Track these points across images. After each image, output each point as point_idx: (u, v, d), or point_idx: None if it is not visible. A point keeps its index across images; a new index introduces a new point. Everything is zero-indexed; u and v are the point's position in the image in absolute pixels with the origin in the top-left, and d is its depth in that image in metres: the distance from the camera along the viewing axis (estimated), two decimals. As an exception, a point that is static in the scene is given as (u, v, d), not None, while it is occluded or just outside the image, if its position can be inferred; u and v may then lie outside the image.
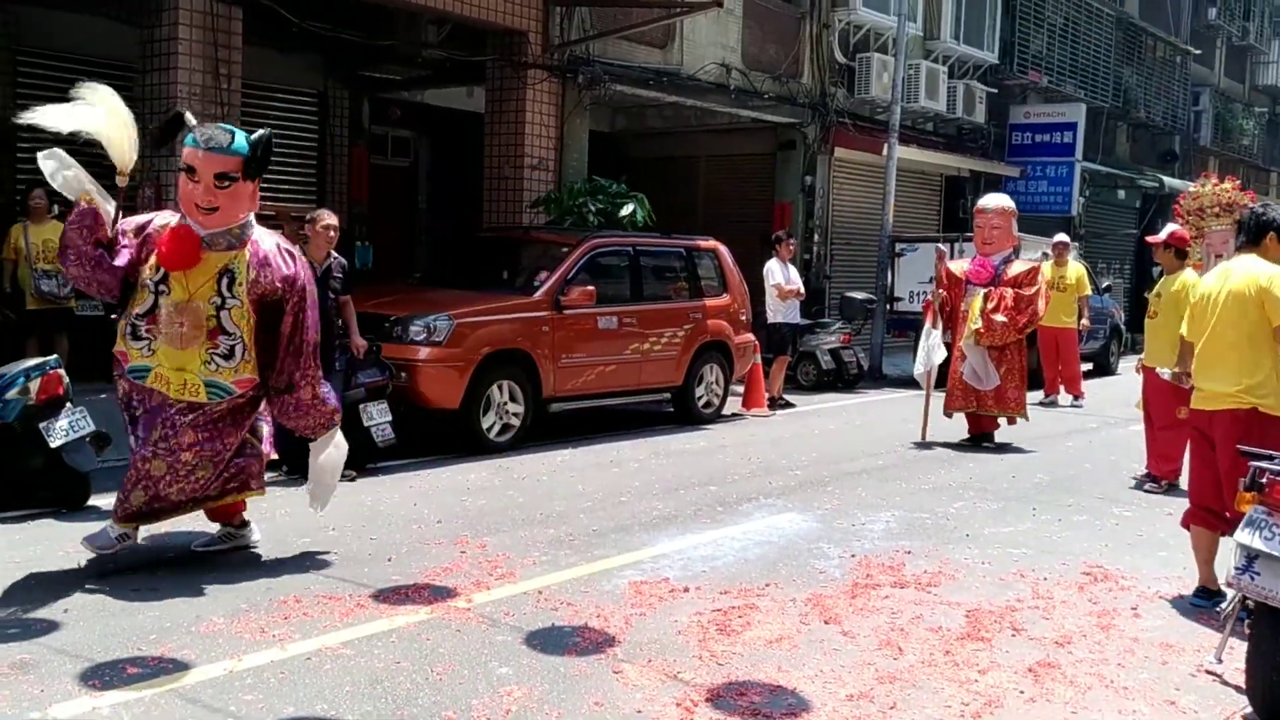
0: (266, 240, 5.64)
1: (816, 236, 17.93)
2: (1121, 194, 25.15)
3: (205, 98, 9.99)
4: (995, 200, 10.45)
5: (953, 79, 19.61)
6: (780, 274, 12.65)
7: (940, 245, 11.09)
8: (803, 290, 13.17)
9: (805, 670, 4.50)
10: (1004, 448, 10.19)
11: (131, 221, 5.60)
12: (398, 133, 15.86)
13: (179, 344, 5.38)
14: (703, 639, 4.81)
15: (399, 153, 16.04)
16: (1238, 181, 7.66)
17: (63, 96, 11.89)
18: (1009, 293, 9.78)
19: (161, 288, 5.41)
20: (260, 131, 5.46)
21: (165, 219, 5.57)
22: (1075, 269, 13.96)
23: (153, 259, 5.43)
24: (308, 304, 5.68)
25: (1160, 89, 26.80)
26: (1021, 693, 4.37)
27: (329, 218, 8.03)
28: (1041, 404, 13.49)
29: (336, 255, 8.15)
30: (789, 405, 12.89)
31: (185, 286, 5.40)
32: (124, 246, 5.49)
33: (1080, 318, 13.88)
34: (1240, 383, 5.11)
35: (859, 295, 15.75)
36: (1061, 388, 13.84)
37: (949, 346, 10.18)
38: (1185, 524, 5.59)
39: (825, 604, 5.35)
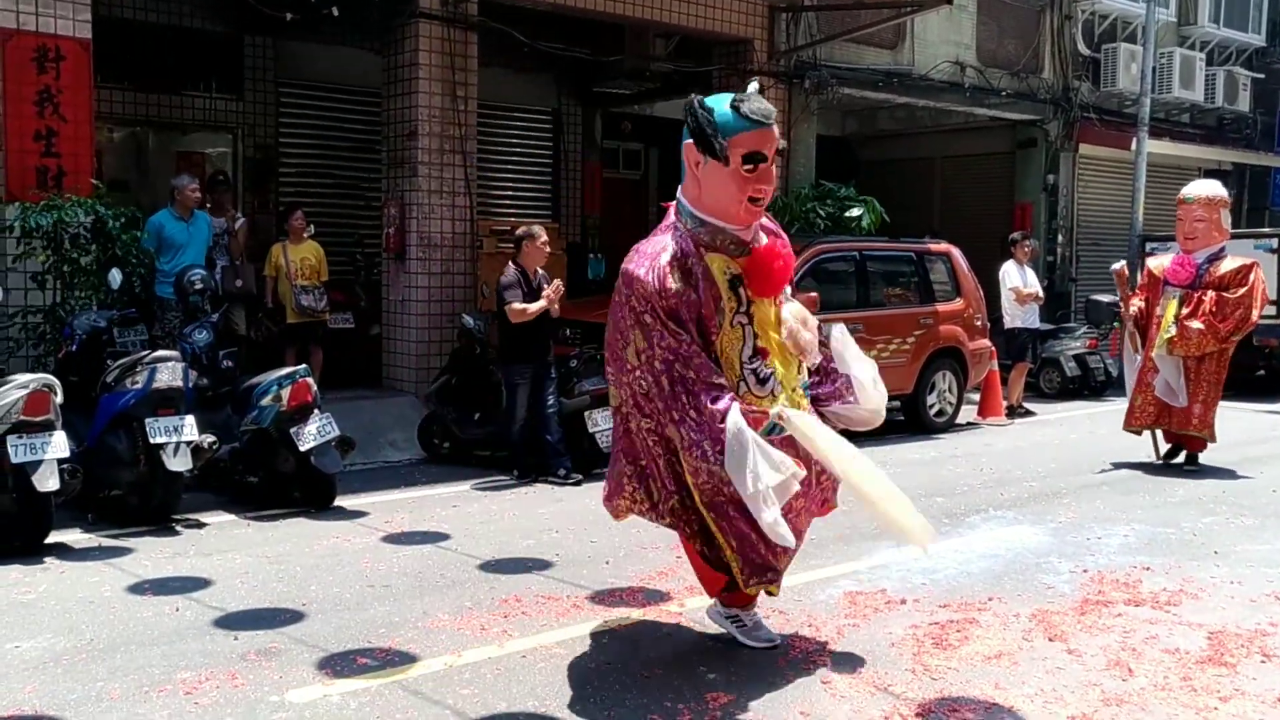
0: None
1: (1060, 237, 17.14)
2: None
3: (444, 119, 10.49)
4: (1201, 188, 9.03)
5: (1211, 66, 18.36)
6: (1017, 277, 12.17)
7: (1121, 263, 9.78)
8: (1041, 294, 12.62)
9: (1024, 689, 4.30)
10: (1206, 470, 8.93)
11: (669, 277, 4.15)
12: (628, 145, 16.19)
13: (790, 363, 4.40)
14: (917, 652, 4.67)
15: (630, 165, 16.37)
16: None
17: (318, 121, 12.84)
18: (1209, 296, 8.58)
19: (742, 318, 4.27)
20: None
21: (662, 243, 4.25)
22: None
23: (725, 290, 4.24)
24: None
25: None
26: (1268, 724, 4.04)
27: (545, 234, 8.62)
28: None
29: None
30: (1029, 414, 12.37)
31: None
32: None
33: None
34: None
35: (1106, 299, 14.92)
36: None
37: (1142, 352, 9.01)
38: None
39: (1051, 620, 5.10)
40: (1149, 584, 5.73)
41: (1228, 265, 8.76)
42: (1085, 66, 16.95)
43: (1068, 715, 4.06)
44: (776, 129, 4.18)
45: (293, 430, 7.12)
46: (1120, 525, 7.03)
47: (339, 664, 4.46)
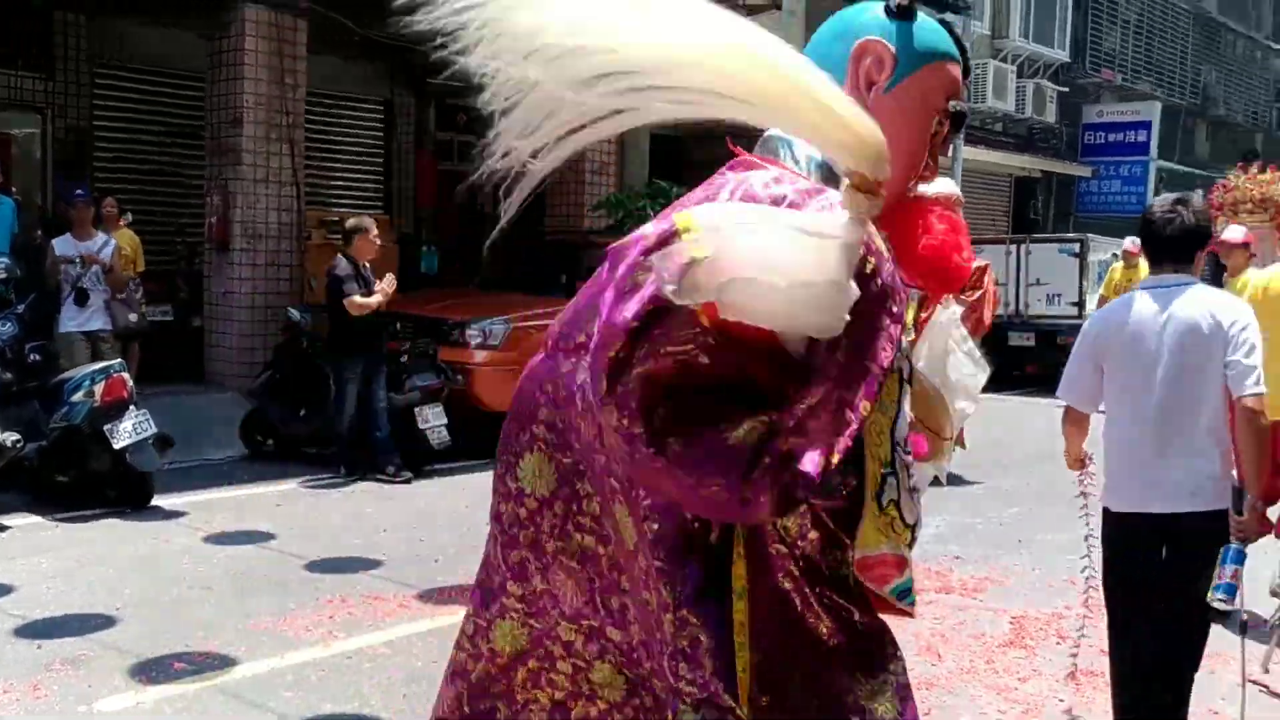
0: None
1: (882, 238, 17.79)
2: (1200, 194, 24.57)
3: (271, 106, 10.20)
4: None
5: (1022, 78, 19.34)
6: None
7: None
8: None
9: (841, 676, 4.47)
10: (1013, 464, 9.21)
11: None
12: (464, 138, 16.03)
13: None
14: (740, 643, 4.80)
15: (465, 158, 16.22)
16: None
17: (137, 104, 12.25)
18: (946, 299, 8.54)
19: (902, 360, 1.82)
20: None
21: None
22: (1146, 271, 13.60)
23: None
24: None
25: (1241, 86, 26.17)
26: (1061, 700, 4.31)
27: (376, 227, 8.51)
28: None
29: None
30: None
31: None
32: None
33: None
34: None
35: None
36: None
37: None
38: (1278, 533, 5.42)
39: (867, 609, 5.31)
40: (959, 572, 6.02)
41: None
42: (907, 75, 17.64)
43: (880, 700, 4.24)
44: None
45: (107, 427, 6.83)
46: (934, 516, 7.36)
47: (153, 670, 4.32)
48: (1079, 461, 3.87)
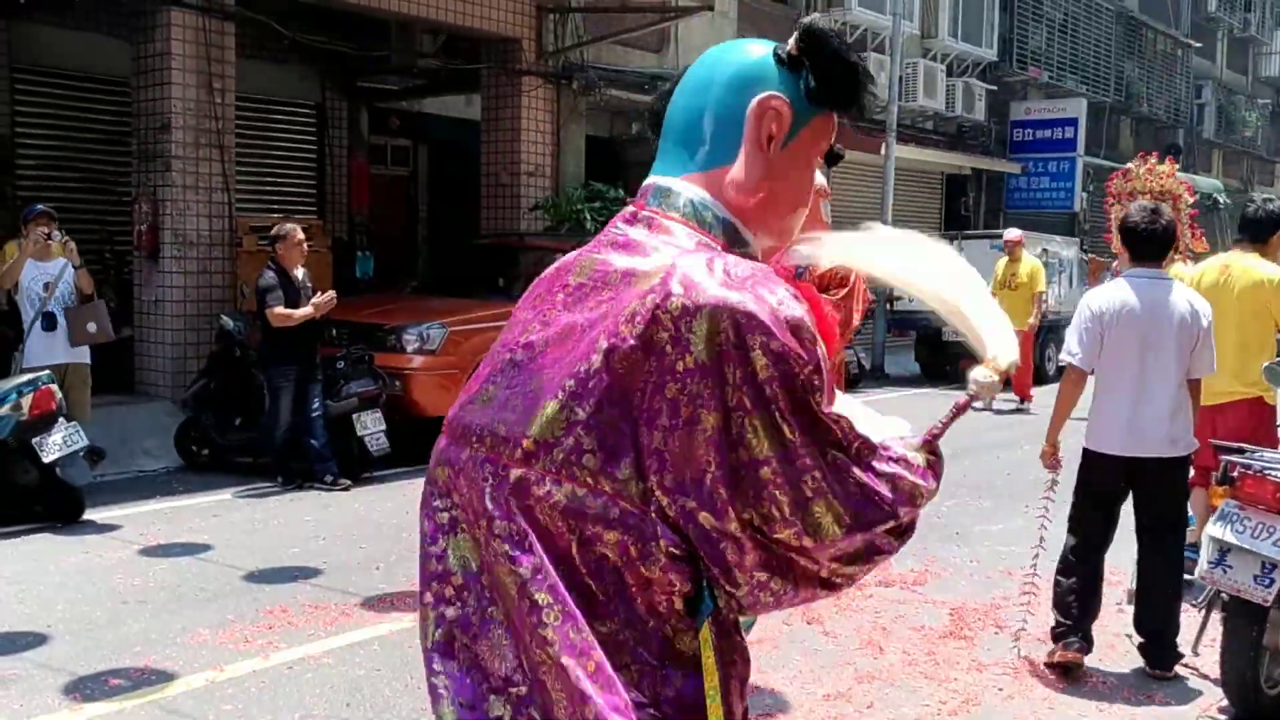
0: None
1: (817, 237, 17.91)
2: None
3: (200, 112, 10.04)
4: None
5: (951, 77, 19.60)
6: (778, 275, 12.61)
7: None
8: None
9: (785, 671, 4.51)
10: (947, 457, 9.47)
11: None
12: (397, 142, 15.90)
13: None
14: (684, 642, 4.81)
15: (398, 162, 16.09)
16: (1176, 166, 7.10)
17: (62, 111, 11.99)
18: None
19: None
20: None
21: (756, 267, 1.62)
22: (1028, 264, 13.09)
23: None
24: None
25: (1162, 83, 26.75)
26: (1000, 690, 4.38)
27: (300, 232, 8.36)
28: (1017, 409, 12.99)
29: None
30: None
31: None
32: None
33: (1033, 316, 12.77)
34: (1247, 377, 5.29)
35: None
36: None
37: None
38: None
39: (808, 605, 5.35)
40: (898, 565, 6.08)
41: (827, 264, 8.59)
42: (839, 74, 17.78)
43: (823, 694, 4.29)
44: None
45: (35, 441, 6.68)
46: (872, 511, 7.44)
47: (89, 687, 4.24)
48: (1054, 449, 4.71)
